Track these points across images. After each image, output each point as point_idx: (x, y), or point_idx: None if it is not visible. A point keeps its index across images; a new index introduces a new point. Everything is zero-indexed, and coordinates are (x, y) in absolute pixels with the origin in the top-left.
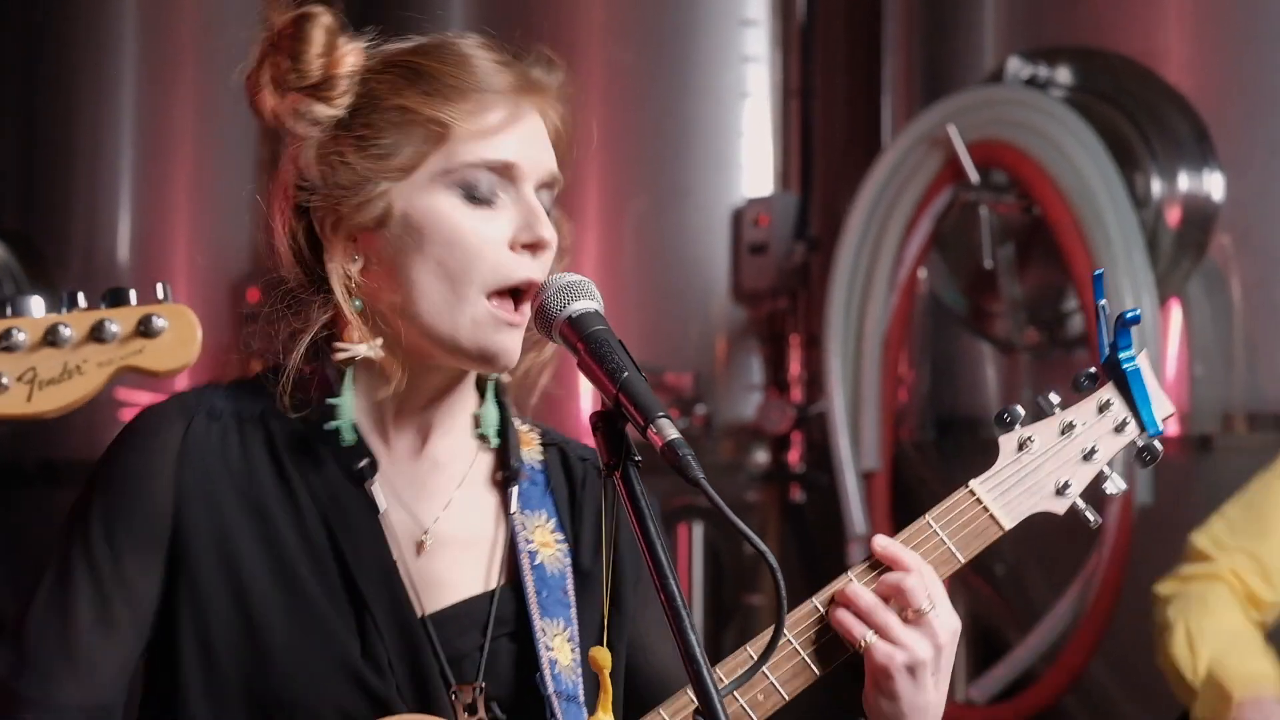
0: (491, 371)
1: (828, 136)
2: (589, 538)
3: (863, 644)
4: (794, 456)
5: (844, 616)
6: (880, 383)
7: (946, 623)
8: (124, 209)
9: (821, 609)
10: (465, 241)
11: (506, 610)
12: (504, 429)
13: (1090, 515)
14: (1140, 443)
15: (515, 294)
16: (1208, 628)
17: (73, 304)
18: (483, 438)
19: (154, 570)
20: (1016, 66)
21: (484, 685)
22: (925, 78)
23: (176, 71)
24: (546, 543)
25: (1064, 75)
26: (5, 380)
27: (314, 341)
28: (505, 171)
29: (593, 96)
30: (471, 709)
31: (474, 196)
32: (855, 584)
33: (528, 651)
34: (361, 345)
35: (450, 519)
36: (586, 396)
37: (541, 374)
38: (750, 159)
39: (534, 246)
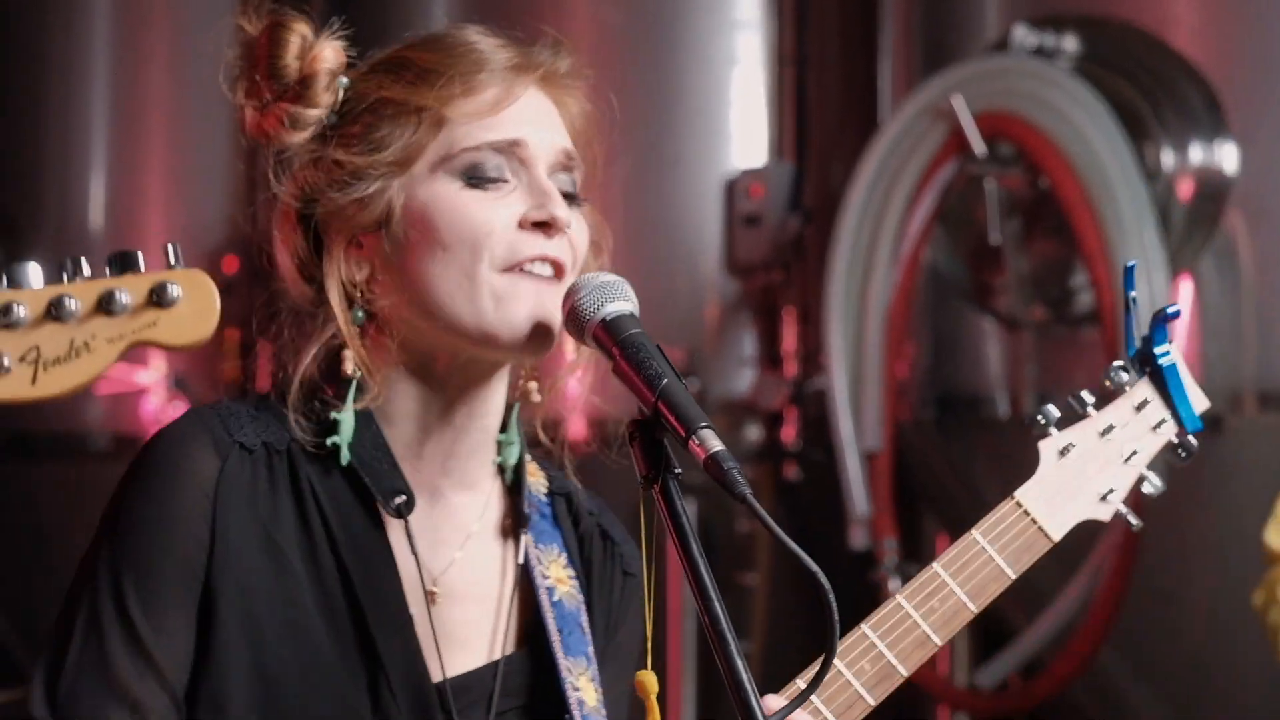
0: (538, 350)
1: (822, 105)
2: (594, 595)
3: None
4: (788, 433)
5: None
6: (882, 361)
7: None
8: (97, 174)
9: None
10: (472, 222)
11: (516, 681)
12: (519, 468)
13: (1133, 519)
14: (1176, 440)
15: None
16: None
17: (76, 272)
18: (500, 470)
19: (188, 617)
20: (1022, 35)
21: None
22: (925, 45)
23: (149, 34)
24: (561, 579)
25: (1071, 44)
26: (6, 361)
27: (330, 358)
28: (511, 150)
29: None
30: None
31: (479, 179)
32: None
33: (547, 698)
34: (356, 364)
35: (462, 569)
36: None
37: (569, 379)
38: (742, 128)
39: (546, 226)
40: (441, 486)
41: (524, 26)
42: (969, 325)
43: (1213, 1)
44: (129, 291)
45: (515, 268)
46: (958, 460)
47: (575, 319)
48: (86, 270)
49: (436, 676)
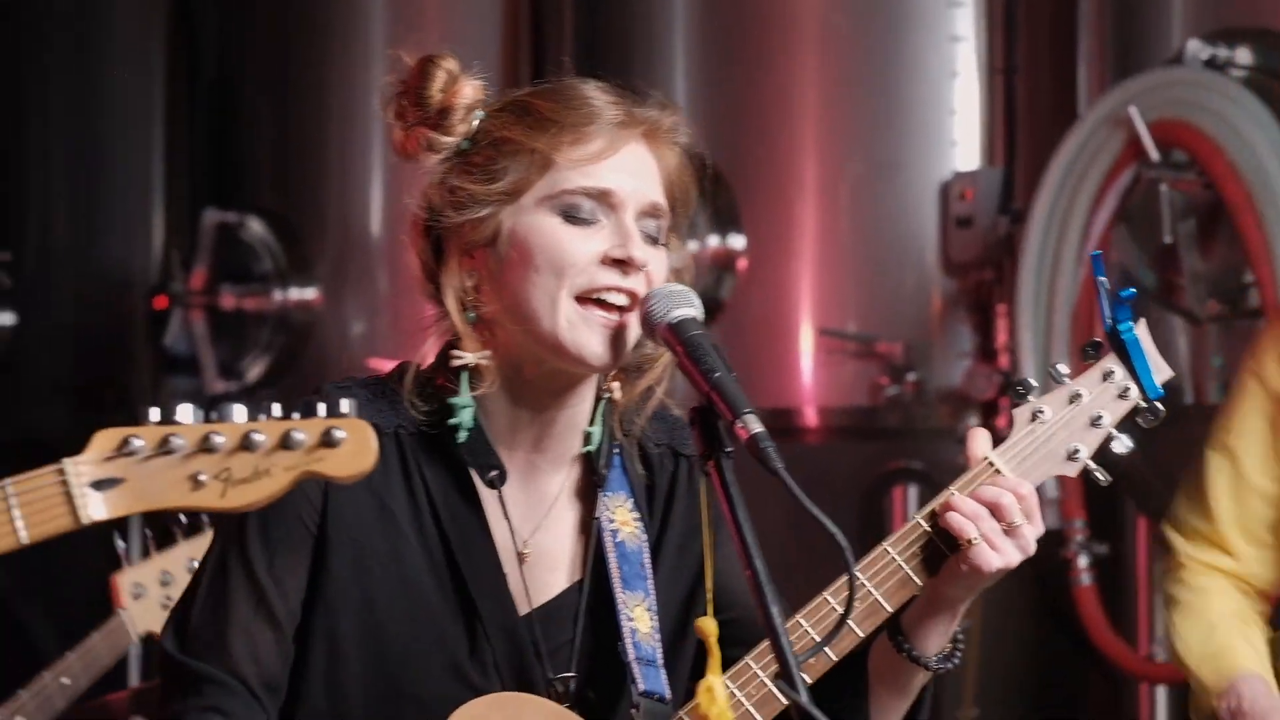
0: (585, 369)
1: (1031, 112)
2: (659, 517)
3: (969, 542)
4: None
5: (955, 519)
6: (1069, 354)
7: (1034, 535)
8: (375, 185)
9: (924, 524)
10: (561, 250)
11: (591, 599)
12: (599, 442)
13: (1100, 475)
14: (1143, 405)
15: (604, 304)
16: (1187, 630)
17: (267, 413)
18: (587, 456)
19: (301, 568)
20: (1196, 48)
21: (576, 675)
22: (1115, 56)
23: (423, 50)
24: (626, 521)
25: (1243, 56)
26: (203, 477)
27: (443, 352)
28: (603, 198)
29: (809, 66)
30: (566, 694)
31: (574, 217)
32: (959, 495)
33: (610, 626)
34: (471, 355)
35: (548, 530)
36: None
37: (655, 390)
38: (957, 134)
39: (623, 263)
40: (535, 463)
41: (754, 34)
42: (1154, 320)
43: None
44: (305, 432)
45: (591, 296)
46: (1144, 451)
47: (647, 321)
48: (276, 412)
49: (525, 612)
